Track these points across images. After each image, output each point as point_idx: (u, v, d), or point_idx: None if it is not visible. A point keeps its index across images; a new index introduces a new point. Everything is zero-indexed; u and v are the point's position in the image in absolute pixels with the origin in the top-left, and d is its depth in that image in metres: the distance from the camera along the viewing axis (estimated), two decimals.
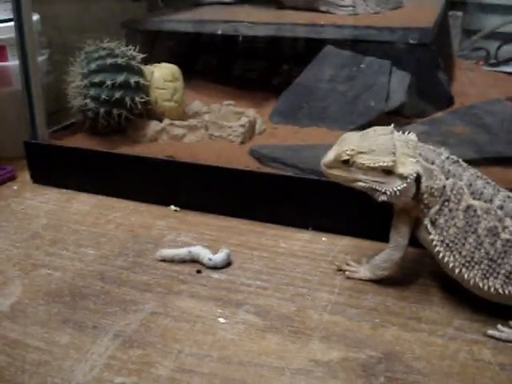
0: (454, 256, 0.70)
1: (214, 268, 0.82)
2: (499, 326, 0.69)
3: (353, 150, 0.71)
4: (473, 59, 1.81)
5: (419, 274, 0.80)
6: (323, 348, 0.67)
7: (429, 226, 0.72)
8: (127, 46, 1.10)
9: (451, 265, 0.70)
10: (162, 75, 1.11)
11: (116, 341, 0.68)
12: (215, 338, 0.69)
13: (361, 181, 0.72)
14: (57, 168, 1.08)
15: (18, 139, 1.10)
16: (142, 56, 1.09)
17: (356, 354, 0.66)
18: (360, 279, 0.79)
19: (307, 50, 1.32)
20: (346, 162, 0.72)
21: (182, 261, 0.83)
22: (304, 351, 0.67)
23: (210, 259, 0.81)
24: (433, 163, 0.72)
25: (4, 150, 1.19)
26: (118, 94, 1.04)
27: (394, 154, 0.70)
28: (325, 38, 1.18)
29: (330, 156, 0.73)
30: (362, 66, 1.12)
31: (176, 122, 1.09)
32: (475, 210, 0.69)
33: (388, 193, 0.71)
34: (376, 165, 0.71)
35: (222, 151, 1.02)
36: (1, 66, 1.14)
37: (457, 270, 0.70)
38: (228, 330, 0.70)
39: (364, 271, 0.78)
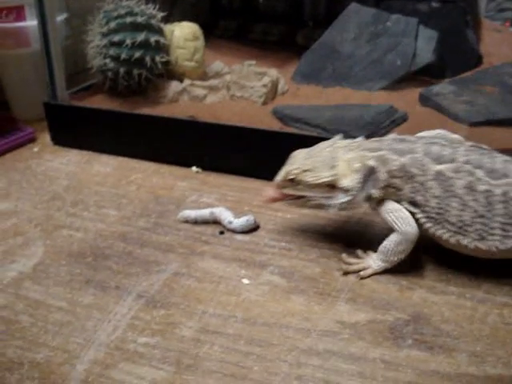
0: (445, 226, 0.68)
1: (233, 231, 0.80)
2: None
3: (297, 168, 0.73)
4: (499, 20, 1.76)
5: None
6: (349, 310, 0.66)
7: (410, 208, 0.70)
8: (147, 4, 1.08)
9: (445, 236, 0.68)
10: (183, 34, 1.09)
11: (139, 301, 0.68)
12: (239, 299, 0.68)
13: (309, 198, 0.73)
14: (77, 129, 1.06)
15: (37, 101, 1.09)
16: (161, 14, 1.07)
17: (383, 316, 0.65)
18: (374, 273, 0.72)
19: (330, 8, 1.29)
20: (292, 180, 0.73)
21: (205, 222, 0.82)
22: (330, 313, 0.65)
23: (230, 222, 0.80)
24: (380, 149, 0.71)
25: (23, 111, 1.18)
26: (137, 54, 1.02)
27: (334, 167, 0.71)
28: None
29: (280, 176, 0.75)
30: (387, 23, 1.09)
31: (197, 83, 1.07)
32: (444, 174, 0.67)
33: (336, 207, 0.72)
34: (319, 181, 0.72)
35: (244, 112, 1.00)
36: (19, 26, 1.12)
37: (452, 240, 0.68)
38: (252, 290, 0.69)
39: (376, 263, 0.72)
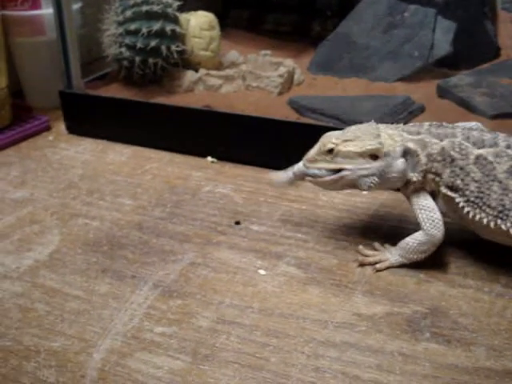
0: (485, 211, 0.66)
1: None
2: None
3: (337, 138, 0.70)
4: None
5: (463, 229, 0.78)
6: (367, 302, 0.66)
7: (448, 193, 0.68)
8: None
9: (485, 220, 0.66)
10: (199, 23, 1.08)
11: (155, 290, 0.67)
12: (256, 290, 0.67)
13: (347, 170, 0.70)
14: (92, 118, 1.06)
15: (52, 89, 1.09)
16: (177, 3, 1.06)
17: (400, 308, 0.65)
18: (390, 267, 0.71)
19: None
20: (330, 151, 0.70)
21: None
22: (347, 304, 0.65)
23: None
24: (419, 133, 0.70)
25: (39, 100, 1.18)
26: (153, 43, 1.02)
27: (379, 136, 0.69)
28: None
29: (313, 150, 0.72)
30: (405, 14, 1.08)
31: (212, 72, 1.07)
32: (485, 158, 0.66)
33: (376, 174, 0.69)
34: (363, 149, 0.69)
35: (260, 102, 1.00)
36: (35, 14, 1.12)
37: (492, 224, 0.66)
38: (269, 281, 0.69)
39: (393, 257, 0.71)
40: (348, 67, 1.09)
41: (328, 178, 0.71)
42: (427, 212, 0.69)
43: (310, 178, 0.72)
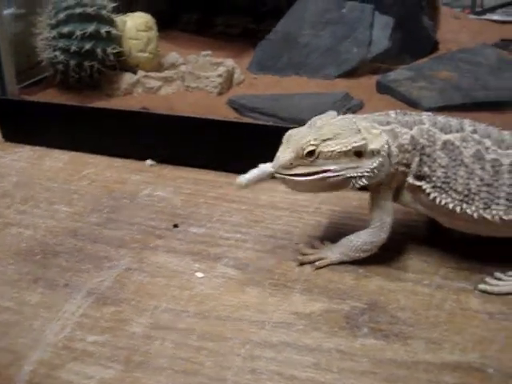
0: (451, 195, 0.65)
1: None
2: (488, 280, 0.67)
3: (316, 138, 0.64)
4: (458, 8, 1.77)
5: (404, 223, 0.77)
6: (305, 300, 0.65)
7: (416, 182, 0.67)
8: None
9: (451, 205, 0.65)
10: (135, 25, 1.07)
11: (89, 298, 0.65)
12: (192, 293, 0.66)
13: (331, 172, 0.65)
14: (28, 125, 1.03)
15: None
16: (112, 5, 1.04)
17: (339, 305, 0.64)
18: (331, 264, 0.70)
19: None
20: (310, 154, 0.64)
21: None
22: (285, 304, 0.64)
23: None
24: (388, 123, 0.67)
25: None
26: (88, 45, 1.00)
27: (359, 131, 0.65)
28: None
29: (287, 154, 0.65)
30: (343, 10, 1.08)
31: (151, 74, 1.05)
32: (452, 143, 0.66)
33: (367, 174, 0.65)
34: (348, 147, 0.64)
35: (199, 102, 0.99)
36: None
37: (458, 209, 0.65)
38: (206, 284, 0.67)
39: (334, 254, 0.70)
40: (288, 65, 1.08)
41: (307, 179, 0.65)
42: (381, 213, 0.68)
43: (284, 180, 0.67)
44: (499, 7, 1.79)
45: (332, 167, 0.65)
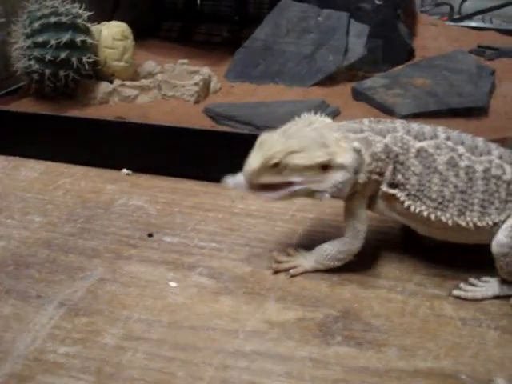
0: (425, 203, 0.66)
1: None
2: (462, 285, 0.67)
3: (281, 150, 0.63)
4: (436, 15, 1.78)
5: (378, 231, 0.78)
6: (279, 308, 0.64)
7: (390, 191, 0.67)
8: (73, 3, 1.05)
9: (425, 213, 0.66)
10: (111, 34, 1.06)
11: (61, 309, 0.65)
12: (165, 303, 0.65)
13: (297, 184, 0.64)
14: (3, 134, 1.02)
15: None
16: (88, 14, 1.04)
17: (313, 313, 0.64)
18: (305, 272, 0.70)
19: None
20: (276, 165, 0.63)
21: None
22: (258, 312, 0.64)
23: None
24: (362, 131, 0.67)
25: None
26: (63, 54, 0.99)
27: (326, 146, 0.64)
28: None
29: (256, 162, 0.64)
30: (319, 18, 1.08)
31: (127, 83, 1.05)
32: (426, 151, 0.66)
33: (330, 190, 0.64)
34: (313, 162, 0.63)
35: (176, 111, 0.98)
36: None
37: (432, 216, 0.65)
38: (179, 293, 0.67)
39: (308, 262, 0.70)
40: (265, 73, 1.09)
41: (276, 196, 0.66)
42: (355, 222, 0.68)
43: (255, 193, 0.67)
44: (477, 14, 1.80)
45: (297, 179, 0.64)
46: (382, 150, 0.66)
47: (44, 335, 0.61)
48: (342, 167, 0.64)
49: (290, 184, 0.64)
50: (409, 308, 0.65)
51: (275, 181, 0.65)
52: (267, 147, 0.64)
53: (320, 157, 0.63)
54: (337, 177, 0.64)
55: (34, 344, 0.60)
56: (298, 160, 0.63)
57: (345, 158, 0.64)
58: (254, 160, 0.65)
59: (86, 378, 0.56)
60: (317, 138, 0.64)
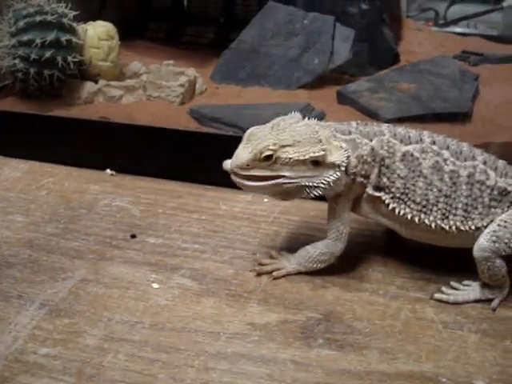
0: (410, 206, 0.66)
1: None
2: (444, 289, 0.68)
3: (275, 143, 0.63)
4: (422, 20, 1.79)
5: (361, 233, 0.78)
6: (261, 311, 0.64)
7: (375, 193, 0.67)
8: (59, 3, 1.04)
9: (409, 216, 0.66)
10: (97, 33, 1.05)
11: (42, 310, 0.64)
12: (147, 304, 0.65)
13: (286, 178, 0.64)
14: None
15: None
16: (73, 13, 1.03)
17: (295, 315, 0.64)
18: (288, 275, 0.70)
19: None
20: (267, 158, 0.63)
21: None
22: (241, 315, 0.64)
23: None
24: (350, 133, 0.67)
25: None
26: (48, 54, 0.98)
27: (321, 141, 0.64)
28: None
29: (246, 155, 0.64)
30: (305, 22, 1.08)
31: (112, 83, 1.04)
32: (412, 154, 0.66)
33: (322, 186, 0.65)
34: (306, 157, 0.63)
35: (160, 112, 0.98)
36: None
37: (416, 219, 0.66)
38: (161, 295, 0.67)
39: (291, 265, 0.70)
40: (250, 75, 1.09)
41: (262, 186, 0.65)
42: (338, 224, 0.68)
43: (239, 182, 0.66)
44: (462, 20, 1.81)
45: (288, 174, 0.64)
46: (368, 152, 0.66)
47: (25, 336, 0.61)
48: (333, 165, 0.64)
49: (278, 177, 0.64)
50: (390, 311, 0.65)
51: (264, 174, 0.64)
52: (258, 140, 0.64)
53: (315, 152, 0.63)
54: (328, 174, 0.65)
55: (14, 345, 0.60)
56: (291, 154, 0.63)
57: (338, 156, 0.65)
58: (243, 153, 0.64)
59: (67, 379, 0.56)
60: (311, 134, 0.64)
